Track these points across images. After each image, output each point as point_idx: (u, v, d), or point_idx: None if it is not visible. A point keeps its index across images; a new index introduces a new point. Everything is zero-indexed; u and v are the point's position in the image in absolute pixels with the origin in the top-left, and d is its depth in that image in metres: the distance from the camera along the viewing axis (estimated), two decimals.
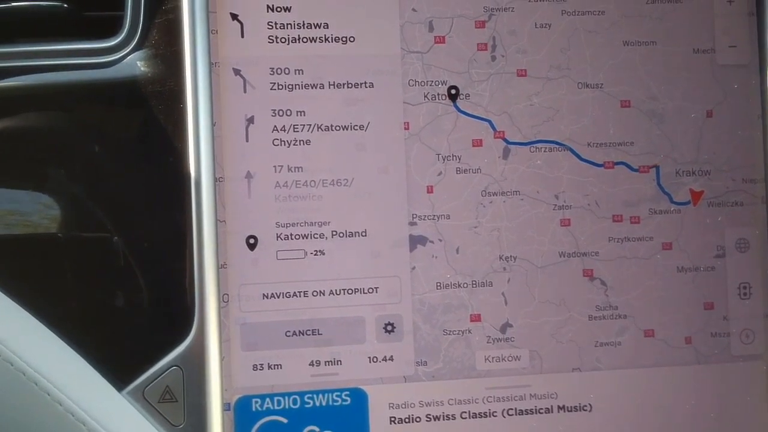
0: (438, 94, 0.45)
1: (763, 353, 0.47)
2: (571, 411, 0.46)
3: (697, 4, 0.47)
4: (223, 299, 0.43)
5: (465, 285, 0.45)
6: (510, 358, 0.45)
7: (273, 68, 0.44)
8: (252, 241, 0.44)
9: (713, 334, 0.47)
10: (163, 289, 0.43)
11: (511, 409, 0.45)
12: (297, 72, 0.44)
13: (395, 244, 0.45)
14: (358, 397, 0.44)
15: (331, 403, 0.44)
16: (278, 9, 0.44)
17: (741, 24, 0.48)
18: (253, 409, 0.43)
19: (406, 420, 0.44)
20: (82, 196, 0.43)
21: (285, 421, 0.43)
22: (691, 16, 0.47)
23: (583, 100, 0.46)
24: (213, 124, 0.42)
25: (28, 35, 0.44)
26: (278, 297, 0.44)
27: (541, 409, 0.46)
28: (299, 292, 0.44)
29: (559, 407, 0.46)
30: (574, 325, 0.46)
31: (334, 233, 0.44)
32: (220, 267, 0.43)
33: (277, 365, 0.44)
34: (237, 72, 0.44)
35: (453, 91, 0.45)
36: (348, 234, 0.44)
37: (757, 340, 0.47)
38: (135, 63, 0.44)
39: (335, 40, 0.45)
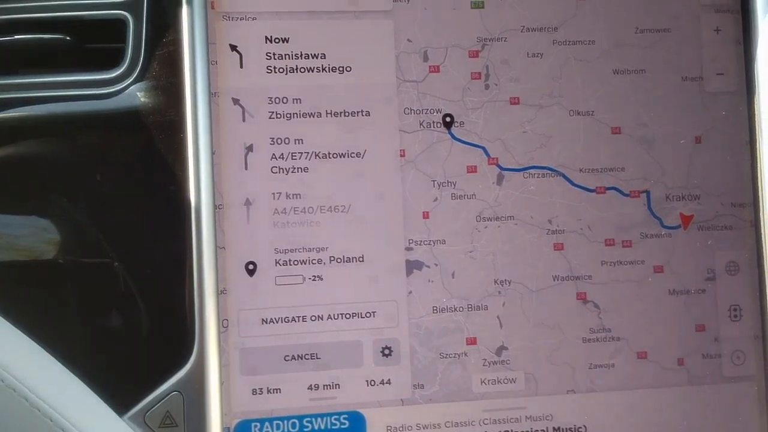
0: (433, 122, 0.46)
1: (754, 374, 0.48)
2: None
3: (686, 32, 0.48)
4: (222, 324, 0.43)
5: (461, 309, 0.46)
6: (506, 381, 0.46)
7: (271, 98, 0.45)
8: (251, 266, 0.44)
9: (705, 356, 0.47)
10: (164, 314, 0.43)
11: (507, 431, 0.46)
12: (295, 101, 0.45)
13: (392, 269, 0.45)
14: (357, 420, 0.45)
15: (329, 426, 0.44)
16: (276, 40, 0.45)
17: (728, 52, 0.49)
18: None
19: None
20: (85, 224, 0.44)
21: None
22: (679, 45, 0.48)
23: (575, 127, 0.47)
24: (213, 153, 0.43)
25: (32, 67, 0.45)
26: (277, 322, 0.44)
27: (537, 430, 0.46)
28: (298, 316, 0.44)
29: (554, 429, 0.46)
30: (568, 347, 0.46)
31: (332, 259, 0.45)
32: (220, 293, 0.43)
33: (276, 389, 0.44)
34: (236, 101, 0.44)
35: (448, 119, 0.46)
36: (345, 259, 0.45)
37: (748, 361, 0.48)
38: (136, 94, 0.44)
39: (332, 69, 0.45)
